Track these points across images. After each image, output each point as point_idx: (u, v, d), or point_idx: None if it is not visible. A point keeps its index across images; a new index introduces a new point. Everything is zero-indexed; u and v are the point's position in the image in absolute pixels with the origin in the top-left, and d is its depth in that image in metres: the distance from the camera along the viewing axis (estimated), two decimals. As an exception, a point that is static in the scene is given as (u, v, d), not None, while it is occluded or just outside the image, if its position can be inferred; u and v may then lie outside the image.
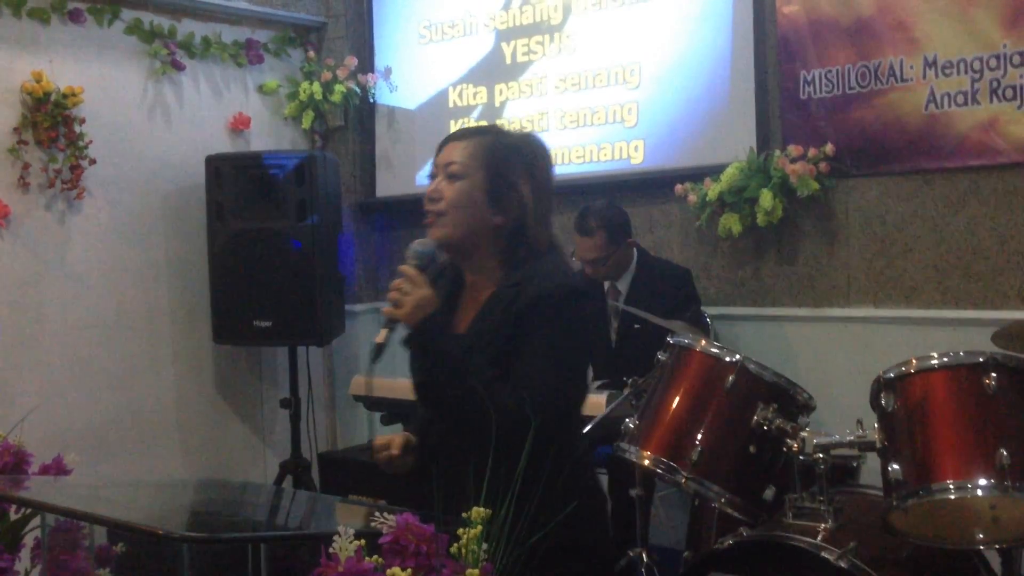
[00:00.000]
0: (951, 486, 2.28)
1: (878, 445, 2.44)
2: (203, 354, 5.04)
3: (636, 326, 4.01)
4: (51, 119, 4.39)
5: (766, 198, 4.16)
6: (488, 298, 2.25)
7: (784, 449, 2.61)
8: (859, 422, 2.53)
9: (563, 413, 2.19)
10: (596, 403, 3.47)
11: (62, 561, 1.95)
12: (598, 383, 3.89)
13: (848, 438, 2.53)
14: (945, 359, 2.43)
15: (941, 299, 3.99)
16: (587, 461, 2.37)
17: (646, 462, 2.72)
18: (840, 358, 4.15)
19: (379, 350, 2.17)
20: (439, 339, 2.15)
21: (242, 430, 5.20)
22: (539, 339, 2.13)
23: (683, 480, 2.64)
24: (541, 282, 2.16)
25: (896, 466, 2.36)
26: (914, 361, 2.45)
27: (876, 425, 2.47)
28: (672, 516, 4.17)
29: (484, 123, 2.14)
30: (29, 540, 2.15)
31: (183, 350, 4.96)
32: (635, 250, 4.16)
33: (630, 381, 3.35)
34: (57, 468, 2.18)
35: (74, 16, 4.57)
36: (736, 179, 4.22)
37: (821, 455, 2.55)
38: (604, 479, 4.11)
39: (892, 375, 2.46)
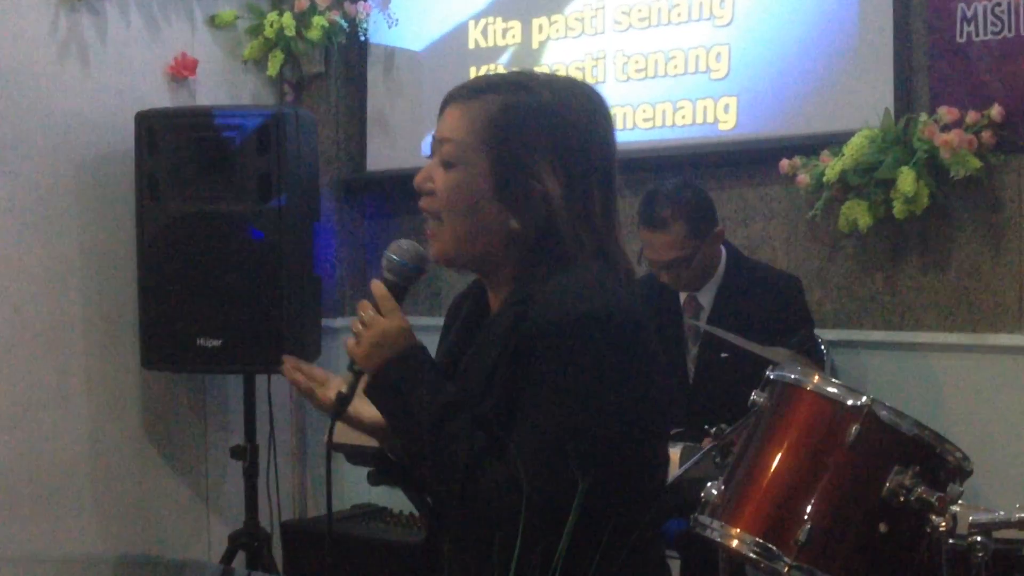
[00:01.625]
0: None
1: (1059, 526, 2.40)
2: (128, 382, 5.04)
3: (724, 355, 3.97)
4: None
5: (907, 180, 4.11)
6: (485, 326, 2.19)
7: (928, 529, 2.57)
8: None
9: (577, 492, 1.85)
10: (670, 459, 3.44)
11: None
12: (673, 431, 3.87)
13: (1019, 515, 2.48)
14: None
15: None
16: (651, 541, 2.33)
17: (735, 543, 2.68)
18: (1007, 402, 4.10)
19: (343, 402, 2.12)
20: (405, 392, 2.05)
21: (179, 487, 5.20)
22: (541, 389, 2.01)
23: (786, 569, 2.61)
24: (547, 306, 2.03)
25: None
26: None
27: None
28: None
29: (505, 71, 2.02)
30: None
31: (101, 377, 4.97)
32: (723, 249, 4.13)
33: (713, 430, 3.32)
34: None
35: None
36: (866, 152, 4.18)
37: (980, 538, 2.51)
38: (675, 564, 4.09)
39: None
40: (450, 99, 2.19)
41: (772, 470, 2.72)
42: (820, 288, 4.45)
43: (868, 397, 2.69)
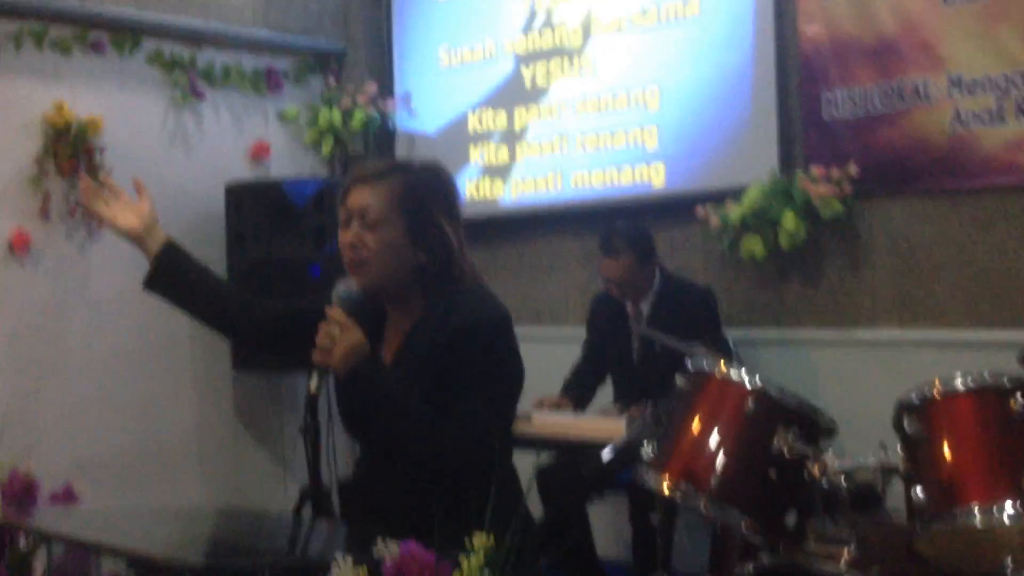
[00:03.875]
0: (976, 510, 2.24)
1: (901, 469, 2.40)
2: (223, 382, 5.05)
3: (657, 348, 3.99)
4: (71, 148, 4.44)
5: (789, 220, 4.13)
6: (411, 329, 2.24)
7: (804, 474, 2.57)
8: (882, 445, 2.49)
9: (499, 447, 2.14)
10: (615, 429, 3.44)
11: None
12: (619, 404, 3.87)
13: (871, 462, 2.48)
14: (970, 381, 2.38)
15: (968, 321, 3.95)
16: (510, 469, 2.35)
17: (665, 488, 2.68)
18: (865, 382, 4.10)
19: (313, 400, 2.13)
20: (377, 382, 2.11)
21: (262, 457, 5.20)
22: (473, 375, 2.14)
23: (703, 505, 2.61)
24: (470, 313, 2.17)
25: (920, 491, 2.32)
26: (938, 384, 2.41)
27: (899, 449, 2.43)
28: (694, 542, 4.12)
29: (384, 162, 2.12)
30: (40, 570, 2.14)
31: (203, 378, 4.98)
32: (657, 270, 4.14)
33: (649, 405, 3.32)
34: (66, 496, 2.18)
35: (96, 46, 4.63)
36: (758, 201, 4.20)
37: (843, 480, 2.50)
38: (625, 504, 4.09)
39: (915, 398, 2.42)
40: (358, 181, 2.24)
41: (692, 434, 2.72)
42: (728, 300, 4.46)
43: (760, 379, 2.70)
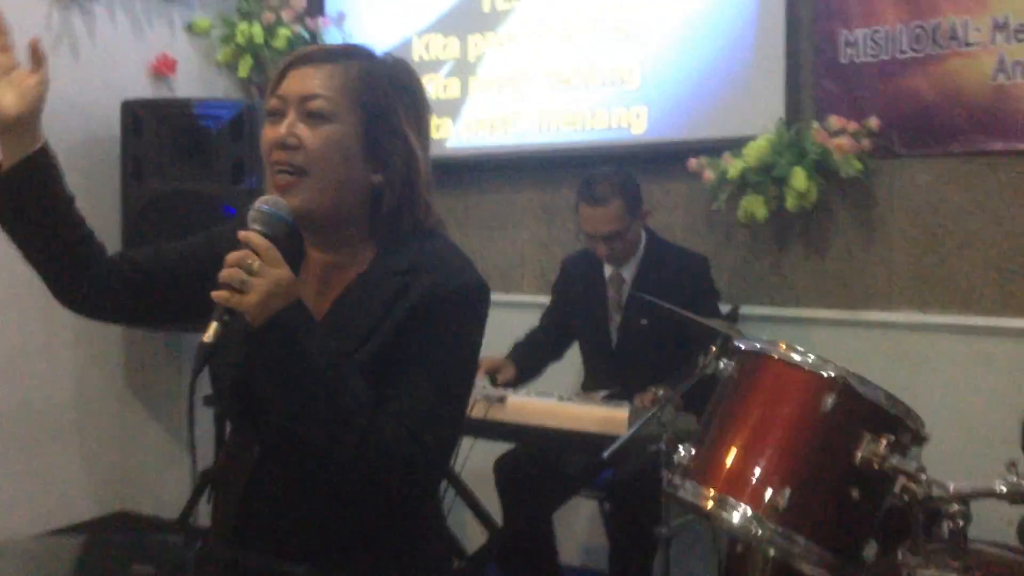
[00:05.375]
0: None
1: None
2: (111, 337, 4.29)
3: (644, 321, 3.39)
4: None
5: (799, 177, 3.56)
6: (353, 283, 1.68)
7: (904, 496, 1.99)
8: (1012, 465, 1.92)
9: (445, 454, 1.71)
10: (617, 419, 2.82)
11: None
12: (602, 393, 3.24)
13: (999, 486, 1.91)
14: None
15: (1003, 305, 3.44)
16: (438, 507, 1.82)
17: (710, 504, 2.08)
18: (878, 370, 3.50)
19: (209, 352, 1.50)
20: (305, 341, 1.52)
21: (157, 431, 4.45)
22: (431, 353, 1.61)
23: (766, 532, 2.01)
24: (444, 274, 1.64)
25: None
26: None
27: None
28: (687, 555, 3.54)
29: (338, 44, 1.57)
30: None
31: (86, 332, 4.18)
32: (643, 232, 3.53)
33: (660, 393, 2.72)
34: None
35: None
36: (765, 154, 3.61)
37: (957, 506, 1.93)
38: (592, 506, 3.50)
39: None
40: (304, 60, 1.68)
41: (742, 436, 2.13)
42: (714, 270, 3.84)
43: (839, 368, 2.11)
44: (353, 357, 1.58)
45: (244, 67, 4.64)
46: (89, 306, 1.83)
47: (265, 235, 1.53)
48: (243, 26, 4.62)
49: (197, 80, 4.58)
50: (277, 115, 1.65)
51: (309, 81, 1.65)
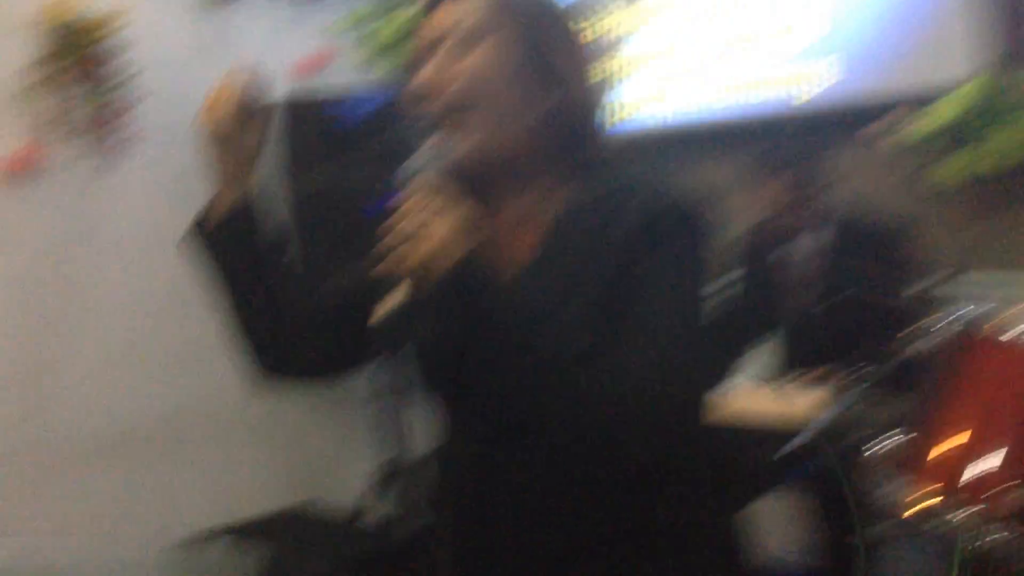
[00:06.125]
0: None
1: None
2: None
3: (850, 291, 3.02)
4: (79, 51, 3.57)
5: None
6: (555, 224, 1.38)
7: None
8: None
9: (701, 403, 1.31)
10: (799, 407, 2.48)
11: None
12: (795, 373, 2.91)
13: None
14: None
15: None
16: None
17: (931, 504, 1.74)
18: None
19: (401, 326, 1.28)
20: (524, 292, 1.30)
21: (336, 424, 4.31)
22: (662, 285, 1.30)
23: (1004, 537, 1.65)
24: (649, 196, 1.33)
25: None
26: None
27: None
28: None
29: None
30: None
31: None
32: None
33: (864, 370, 2.37)
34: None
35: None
36: (978, 103, 3.17)
37: None
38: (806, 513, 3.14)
39: None
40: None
41: (969, 430, 1.78)
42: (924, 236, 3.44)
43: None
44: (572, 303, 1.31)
45: (394, 58, 4.49)
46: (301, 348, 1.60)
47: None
48: (387, 21, 4.48)
49: (345, 75, 4.43)
50: (423, 58, 1.42)
51: (449, 15, 1.40)
